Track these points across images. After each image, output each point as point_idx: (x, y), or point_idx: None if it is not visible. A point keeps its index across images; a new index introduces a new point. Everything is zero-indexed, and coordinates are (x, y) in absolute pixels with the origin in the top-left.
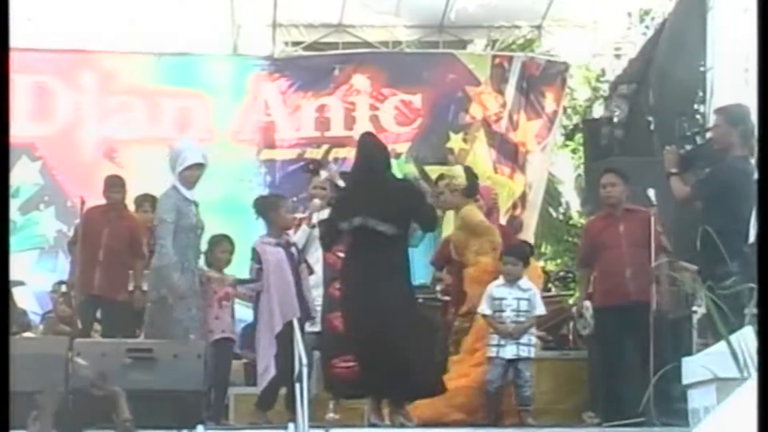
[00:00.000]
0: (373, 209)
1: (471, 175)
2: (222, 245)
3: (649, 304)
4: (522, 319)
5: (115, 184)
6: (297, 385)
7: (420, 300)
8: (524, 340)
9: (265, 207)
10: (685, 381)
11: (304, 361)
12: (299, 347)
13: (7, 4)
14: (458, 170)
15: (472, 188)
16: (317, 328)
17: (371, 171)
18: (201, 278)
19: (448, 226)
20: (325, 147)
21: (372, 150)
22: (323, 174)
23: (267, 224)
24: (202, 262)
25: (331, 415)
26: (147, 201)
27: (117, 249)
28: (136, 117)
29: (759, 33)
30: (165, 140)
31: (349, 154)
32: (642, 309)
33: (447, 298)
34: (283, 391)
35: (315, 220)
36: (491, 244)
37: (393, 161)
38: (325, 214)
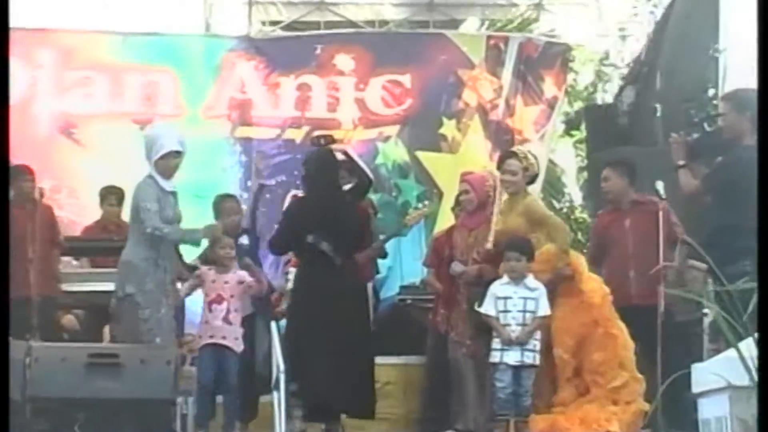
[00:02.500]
0: (326, 227)
1: (538, 163)
2: (222, 241)
3: (654, 306)
4: (527, 321)
5: (22, 173)
6: (275, 394)
7: (408, 301)
8: (530, 345)
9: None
10: (695, 389)
11: (282, 367)
12: (276, 353)
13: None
14: (530, 154)
15: (537, 177)
16: None
17: (327, 188)
18: (180, 276)
19: (443, 222)
20: (305, 128)
21: (328, 167)
22: (339, 155)
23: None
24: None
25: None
26: (113, 194)
27: (42, 245)
28: (96, 91)
29: (759, 33)
30: (129, 115)
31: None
32: (647, 312)
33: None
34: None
35: None
36: (562, 236)
37: (381, 145)
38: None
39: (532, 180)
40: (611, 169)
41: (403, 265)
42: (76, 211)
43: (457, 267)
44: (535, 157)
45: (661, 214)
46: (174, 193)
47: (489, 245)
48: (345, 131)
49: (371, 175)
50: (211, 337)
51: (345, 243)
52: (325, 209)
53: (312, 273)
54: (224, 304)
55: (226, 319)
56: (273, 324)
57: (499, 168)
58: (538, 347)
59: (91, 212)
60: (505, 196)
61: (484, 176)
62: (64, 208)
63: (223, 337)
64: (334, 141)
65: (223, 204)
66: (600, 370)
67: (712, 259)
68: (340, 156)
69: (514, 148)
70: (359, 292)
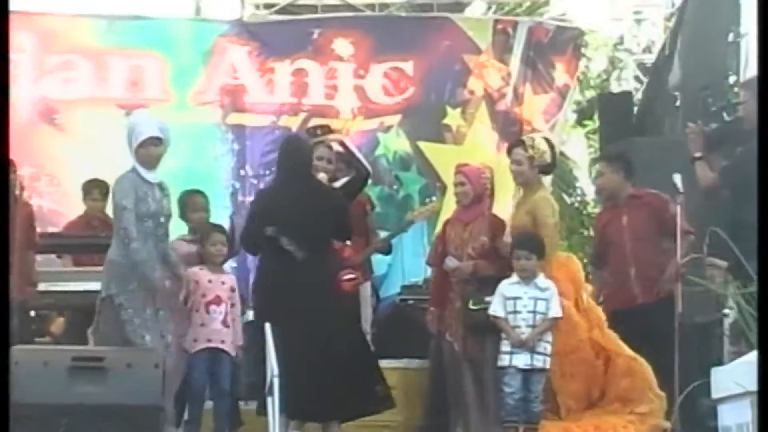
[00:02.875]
0: (290, 220)
1: (553, 149)
2: (212, 237)
3: (661, 304)
4: (538, 322)
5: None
6: (269, 399)
7: (410, 301)
8: (540, 348)
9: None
10: (714, 395)
11: (276, 371)
12: (270, 356)
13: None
14: (540, 142)
15: (551, 167)
16: None
17: (296, 176)
18: (175, 275)
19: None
20: (302, 115)
21: (298, 153)
22: (335, 146)
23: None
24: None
25: None
26: (96, 187)
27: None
28: (79, 76)
29: (759, 32)
30: (113, 101)
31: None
32: (652, 312)
33: None
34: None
35: None
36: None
37: (381, 136)
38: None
39: (544, 170)
40: (605, 165)
41: (404, 263)
42: (57, 199)
43: (450, 262)
44: (551, 144)
45: (679, 208)
46: (160, 185)
47: (484, 239)
48: (344, 120)
49: (369, 168)
50: (209, 341)
51: (313, 237)
52: (292, 199)
53: (271, 269)
54: (223, 306)
55: (224, 322)
56: (267, 326)
57: (509, 158)
58: (549, 350)
59: (72, 200)
60: (520, 191)
61: (480, 168)
62: (44, 196)
63: (222, 341)
64: (330, 131)
65: (189, 200)
66: (630, 396)
67: (730, 257)
68: (336, 147)
69: (523, 137)
70: (327, 288)
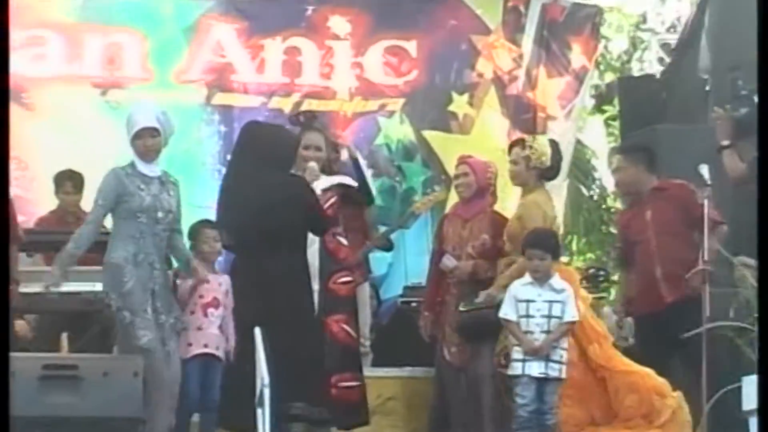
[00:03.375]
0: (251, 220)
1: (557, 153)
2: (203, 233)
3: (689, 301)
4: (552, 327)
5: None
6: (258, 411)
7: (413, 304)
8: (555, 355)
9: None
10: (745, 407)
11: (266, 380)
12: (261, 364)
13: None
14: (542, 143)
15: (552, 171)
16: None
17: (244, 166)
18: (176, 276)
19: None
20: (295, 96)
21: (262, 142)
22: (344, 153)
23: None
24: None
25: None
26: (69, 179)
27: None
28: (50, 52)
29: (759, 33)
30: (88, 79)
31: (326, 107)
32: (681, 314)
33: None
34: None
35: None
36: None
37: (383, 120)
38: (324, 182)
39: (545, 174)
40: (623, 158)
41: (407, 262)
42: (25, 184)
43: (448, 262)
44: (555, 148)
45: (706, 202)
46: (160, 178)
47: (485, 238)
48: (341, 101)
49: (374, 196)
50: (206, 346)
51: (280, 238)
52: (243, 193)
53: (233, 270)
54: (220, 310)
55: (221, 327)
56: (257, 330)
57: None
58: (564, 358)
59: (42, 187)
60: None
61: (486, 162)
62: (11, 181)
63: (217, 348)
64: (315, 118)
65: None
66: (643, 411)
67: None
68: (345, 156)
69: (523, 136)
70: (287, 287)
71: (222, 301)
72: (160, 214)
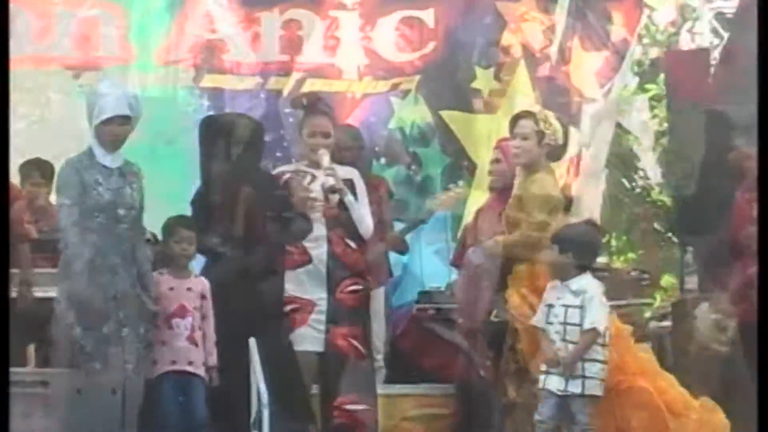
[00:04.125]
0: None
1: (566, 135)
2: (177, 233)
3: None
4: (570, 336)
5: None
6: None
7: (430, 311)
8: (579, 370)
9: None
10: None
11: (265, 400)
12: (258, 381)
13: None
14: (552, 116)
15: (563, 150)
16: (319, 348)
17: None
18: (143, 283)
19: (476, 205)
20: (296, 76)
21: (249, 136)
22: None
23: None
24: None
25: None
26: (37, 169)
27: None
28: (15, 30)
29: (759, 33)
30: (59, 60)
31: (332, 88)
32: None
33: None
34: None
35: (322, 180)
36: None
37: (397, 101)
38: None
39: (553, 153)
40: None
41: (423, 264)
42: None
43: (474, 256)
44: (564, 127)
45: None
46: (120, 170)
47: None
48: (348, 81)
49: (371, 232)
50: (173, 362)
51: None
52: (212, 197)
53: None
54: (188, 319)
55: (191, 339)
56: (251, 341)
57: (511, 132)
58: (596, 372)
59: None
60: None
61: (507, 145)
62: None
63: (189, 363)
64: (319, 100)
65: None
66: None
67: None
68: (343, 172)
69: (532, 109)
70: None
71: (190, 308)
72: (121, 212)
